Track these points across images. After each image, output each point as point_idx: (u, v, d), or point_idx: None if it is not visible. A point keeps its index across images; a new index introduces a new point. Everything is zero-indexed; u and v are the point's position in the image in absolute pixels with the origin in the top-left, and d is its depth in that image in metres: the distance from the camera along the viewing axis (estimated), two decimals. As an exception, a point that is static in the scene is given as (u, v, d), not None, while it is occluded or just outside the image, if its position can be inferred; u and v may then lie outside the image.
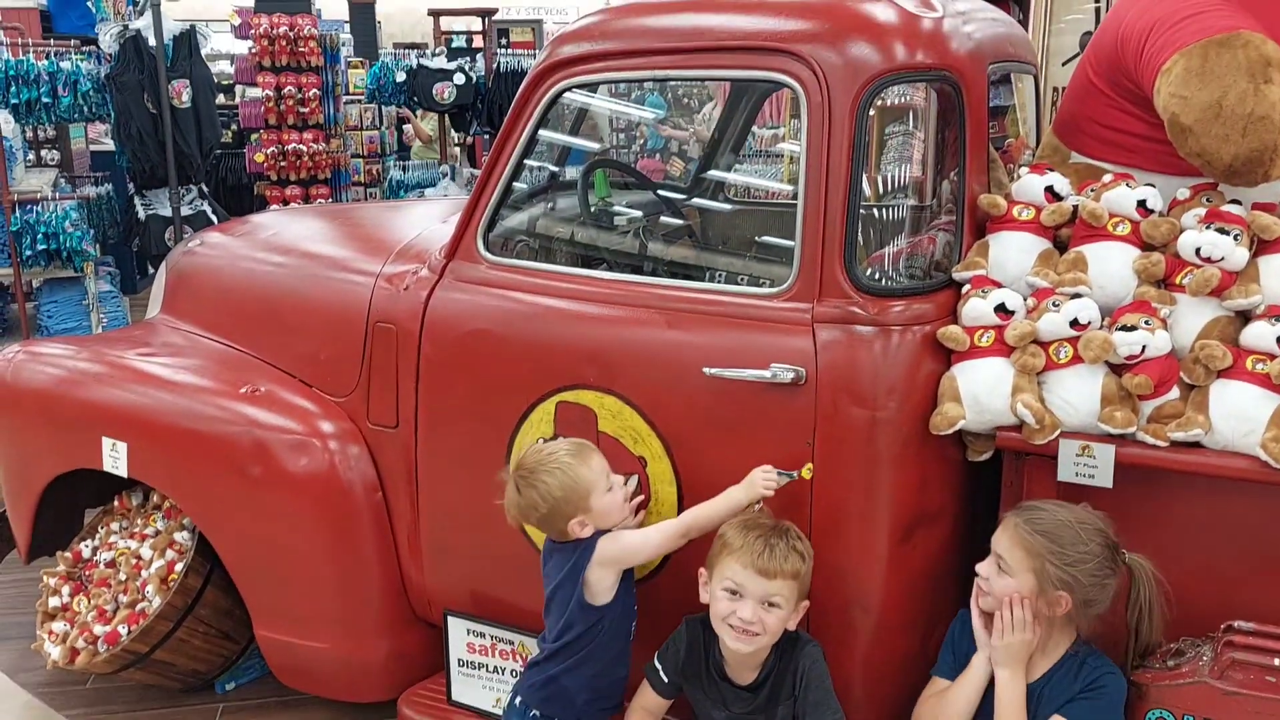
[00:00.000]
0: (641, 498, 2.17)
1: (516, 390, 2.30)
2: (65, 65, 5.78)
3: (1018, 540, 1.86)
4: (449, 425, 2.42)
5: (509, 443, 2.31)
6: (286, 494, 2.53)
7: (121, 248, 6.78)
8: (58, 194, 5.94)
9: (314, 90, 7.03)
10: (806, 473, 2.01)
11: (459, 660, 2.48)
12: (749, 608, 1.91)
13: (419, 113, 8.53)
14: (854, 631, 2.05)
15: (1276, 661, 1.74)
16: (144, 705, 2.84)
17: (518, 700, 2.13)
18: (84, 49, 6.10)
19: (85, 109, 5.85)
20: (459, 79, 7.84)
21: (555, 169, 2.96)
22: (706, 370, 2.07)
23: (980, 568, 1.94)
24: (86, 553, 2.86)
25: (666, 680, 2.07)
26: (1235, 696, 1.74)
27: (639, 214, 2.88)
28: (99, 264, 5.94)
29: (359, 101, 8.39)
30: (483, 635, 2.44)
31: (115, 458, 2.66)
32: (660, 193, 3.08)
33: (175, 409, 2.64)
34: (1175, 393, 1.90)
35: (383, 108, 8.37)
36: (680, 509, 2.15)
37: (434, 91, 7.84)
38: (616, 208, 2.88)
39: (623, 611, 2.07)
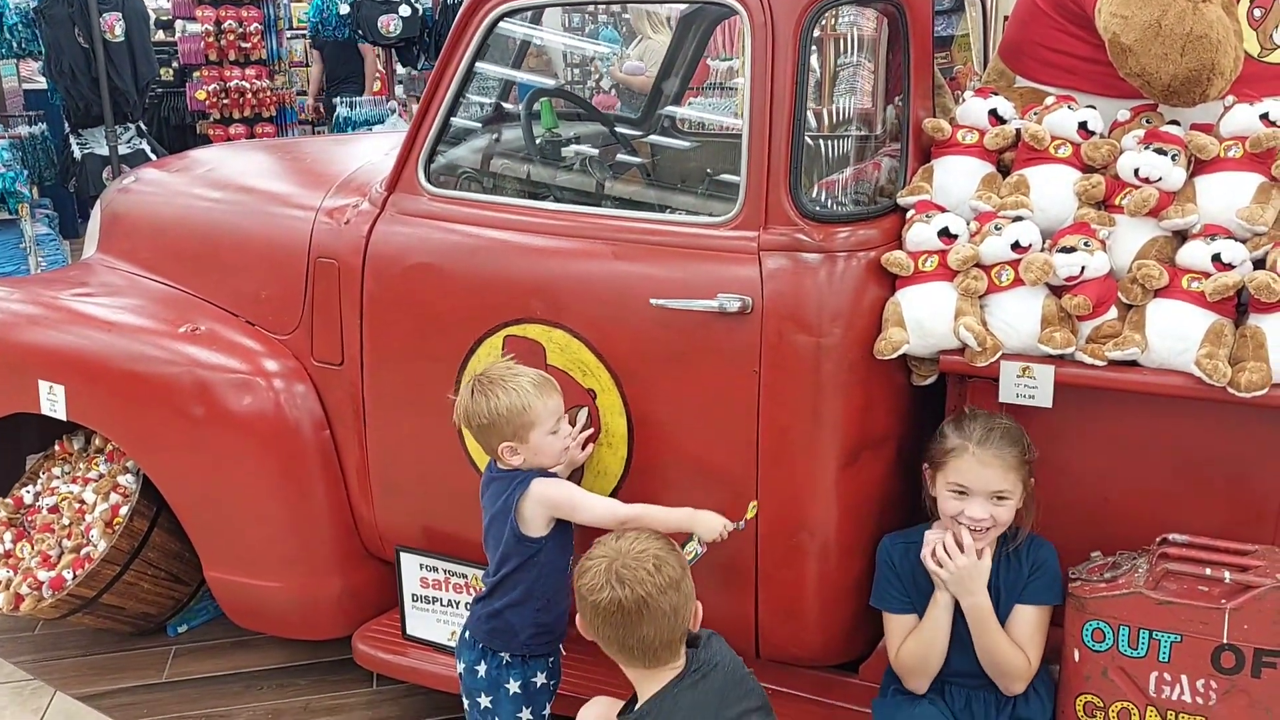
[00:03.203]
0: (591, 430, 2.17)
1: (462, 325, 2.27)
2: (-9, -1, 5.56)
3: (1009, 463, 1.89)
4: (395, 361, 2.39)
5: (456, 378, 2.29)
6: (231, 434, 2.50)
7: (59, 190, 6.59)
8: (-11, 134, 5.75)
9: (255, 25, 6.82)
10: (751, 512, 2.03)
11: (413, 595, 2.48)
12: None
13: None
14: (802, 555, 2.08)
15: (1208, 571, 1.79)
16: (95, 649, 2.83)
17: (468, 634, 2.14)
18: (11, -19, 5.85)
19: (14, 44, 5.64)
20: (405, 11, 7.62)
21: (501, 101, 2.90)
22: (653, 301, 2.06)
23: (975, 515, 1.89)
24: (28, 498, 2.81)
25: None
26: (1169, 606, 1.79)
27: (587, 146, 2.84)
28: (35, 206, 5.77)
29: (303, 36, 8.15)
30: (435, 570, 2.44)
31: (53, 401, 2.60)
32: (608, 124, 3.04)
33: (114, 350, 2.59)
34: (1113, 313, 1.92)
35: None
36: (630, 441, 2.15)
37: (379, 24, 7.63)
38: (564, 139, 2.83)
39: (560, 545, 2.06)
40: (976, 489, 1.89)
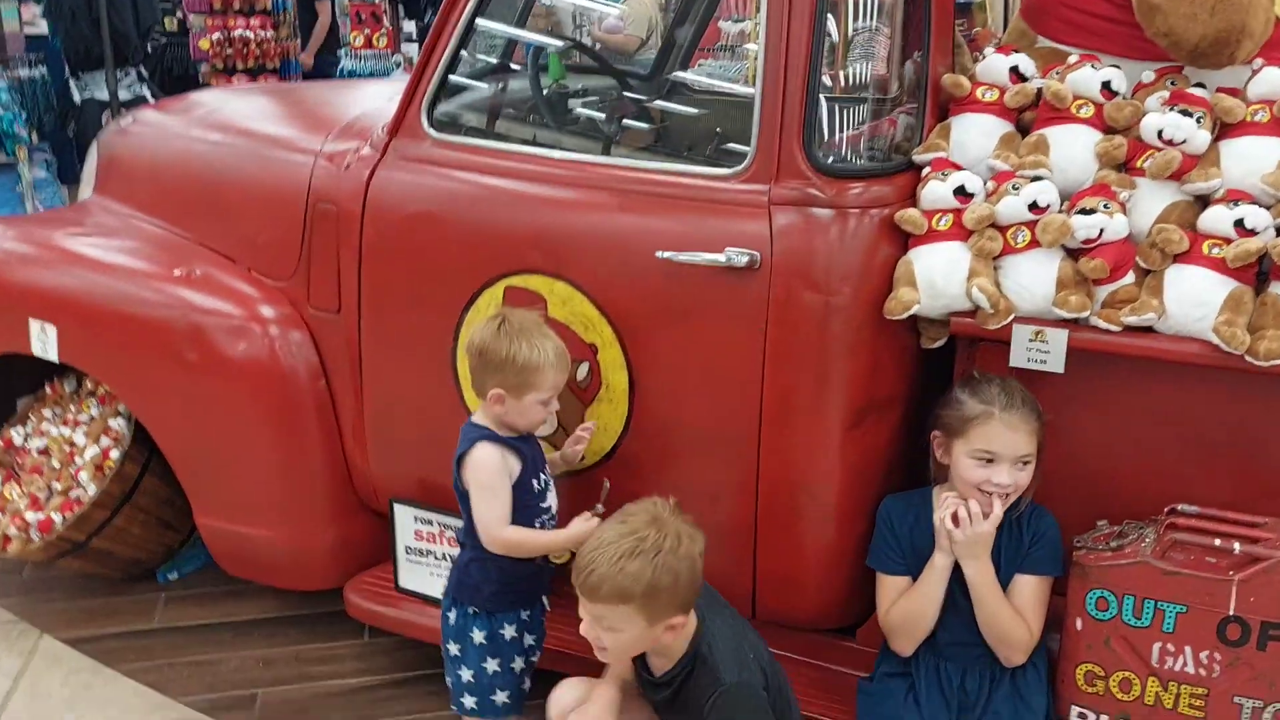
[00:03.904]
0: (589, 426, 2.13)
1: (463, 274, 2.23)
2: (-8, -61, 5.46)
3: (1033, 427, 1.86)
4: (393, 310, 2.34)
5: (455, 329, 2.25)
6: (226, 380, 2.45)
7: (59, 134, 6.51)
8: (-13, 76, 5.66)
9: (260, -28, 6.70)
10: (604, 495, 2.04)
11: (406, 548, 2.45)
12: (585, 624, 1.77)
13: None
14: (803, 518, 2.04)
15: (1217, 543, 1.76)
16: (83, 594, 2.80)
17: (448, 587, 2.12)
18: (11, -79, 5.75)
19: (14, -14, 5.54)
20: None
21: (507, 50, 2.84)
22: (659, 254, 2.01)
23: (1001, 481, 1.85)
24: (18, 439, 2.77)
25: None
26: (1175, 576, 1.76)
27: (595, 99, 2.78)
28: (34, 151, 5.70)
29: (309, -16, 8.00)
30: (430, 523, 2.41)
31: (44, 341, 2.56)
32: (618, 79, 2.97)
33: (107, 291, 2.54)
34: (1130, 278, 1.87)
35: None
36: (631, 397, 2.11)
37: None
38: (571, 91, 2.77)
39: (520, 506, 2.01)
40: (1004, 454, 1.85)
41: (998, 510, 1.85)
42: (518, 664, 2.10)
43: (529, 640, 2.12)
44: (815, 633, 2.21)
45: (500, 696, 2.08)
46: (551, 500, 2.10)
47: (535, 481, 2.05)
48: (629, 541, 1.71)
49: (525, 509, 2.03)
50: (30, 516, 2.58)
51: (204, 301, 2.48)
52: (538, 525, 2.06)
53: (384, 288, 2.34)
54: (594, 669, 1.97)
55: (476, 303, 2.22)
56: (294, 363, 2.45)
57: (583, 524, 1.99)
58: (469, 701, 2.09)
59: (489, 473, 1.99)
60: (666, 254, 2.00)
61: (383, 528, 2.50)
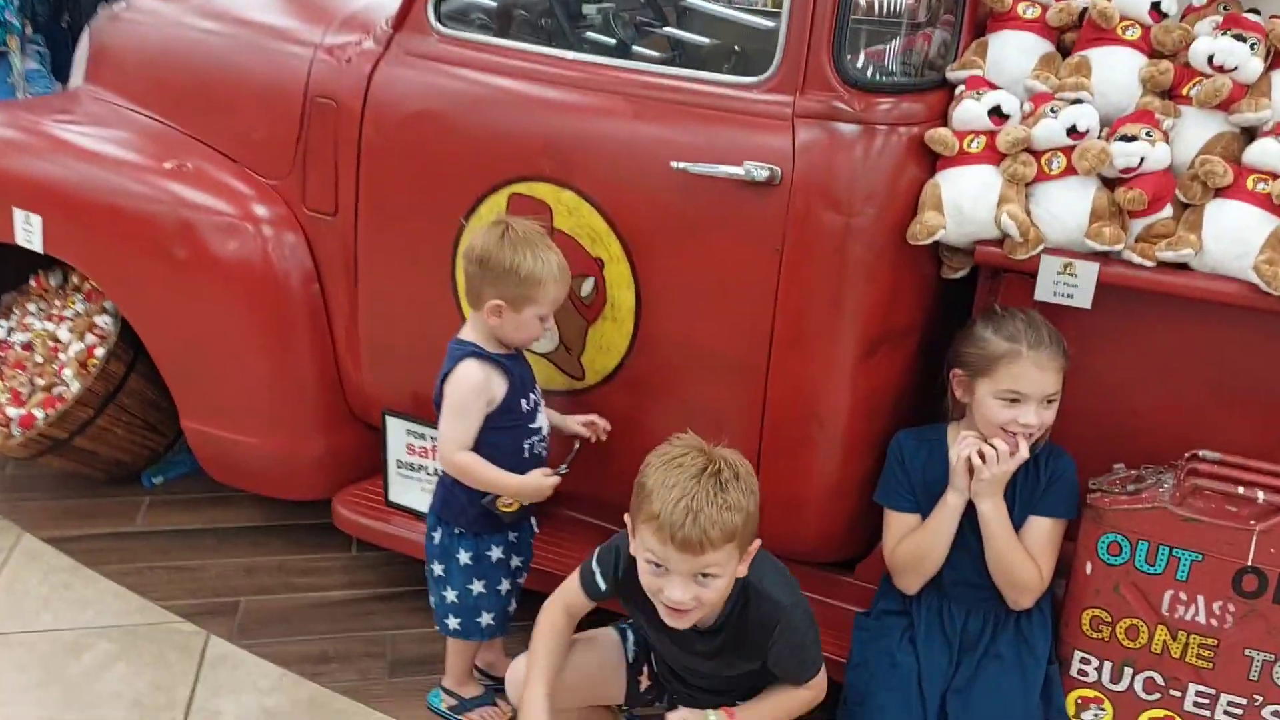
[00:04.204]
0: (572, 457, 2.05)
1: (466, 179, 2.13)
2: None
3: (1059, 366, 1.78)
4: (391, 215, 2.25)
5: (456, 236, 2.15)
6: (215, 280, 2.37)
7: (54, 28, 6.30)
8: (-22, -38, 5.45)
9: None
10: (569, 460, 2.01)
11: (398, 462, 2.39)
12: (678, 587, 1.57)
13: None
14: (809, 447, 1.98)
15: (1240, 490, 1.69)
16: (65, 494, 2.74)
17: (433, 505, 2.05)
18: None
19: None
20: None
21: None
22: (674, 165, 1.91)
23: (1028, 422, 1.77)
24: (1, 333, 2.69)
25: (604, 589, 1.77)
26: (1193, 523, 1.70)
27: (612, 4, 2.65)
28: (27, 42, 5.51)
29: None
30: (423, 437, 2.34)
31: (29, 231, 2.46)
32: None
33: (95, 182, 2.44)
34: (1168, 211, 1.78)
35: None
36: (638, 315, 2.03)
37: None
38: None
39: (508, 427, 1.94)
40: (1032, 394, 1.77)
41: (1023, 450, 1.78)
42: (504, 586, 2.04)
43: (515, 562, 2.06)
44: (813, 566, 2.16)
45: (485, 618, 2.03)
46: (542, 421, 2.02)
47: (524, 402, 1.97)
48: (709, 479, 1.54)
49: (514, 429, 1.95)
50: (11, 411, 2.51)
51: (195, 197, 2.38)
52: (526, 447, 1.98)
53: (383, 190, 2.24)
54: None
55: (479, 210, 2.12)
56: (287, 265, 2.37)
57: (539, 478, 1.92)
58: (453, 623, 2.03)
59: (465, 392, 1.90)
60: (682, 165, 1.90)
61: (374, 440, 2.44)
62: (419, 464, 2.37)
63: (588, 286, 2.07)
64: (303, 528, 2.63)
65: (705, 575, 1.56)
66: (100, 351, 2.51)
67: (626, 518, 1.64)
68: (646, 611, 1.68)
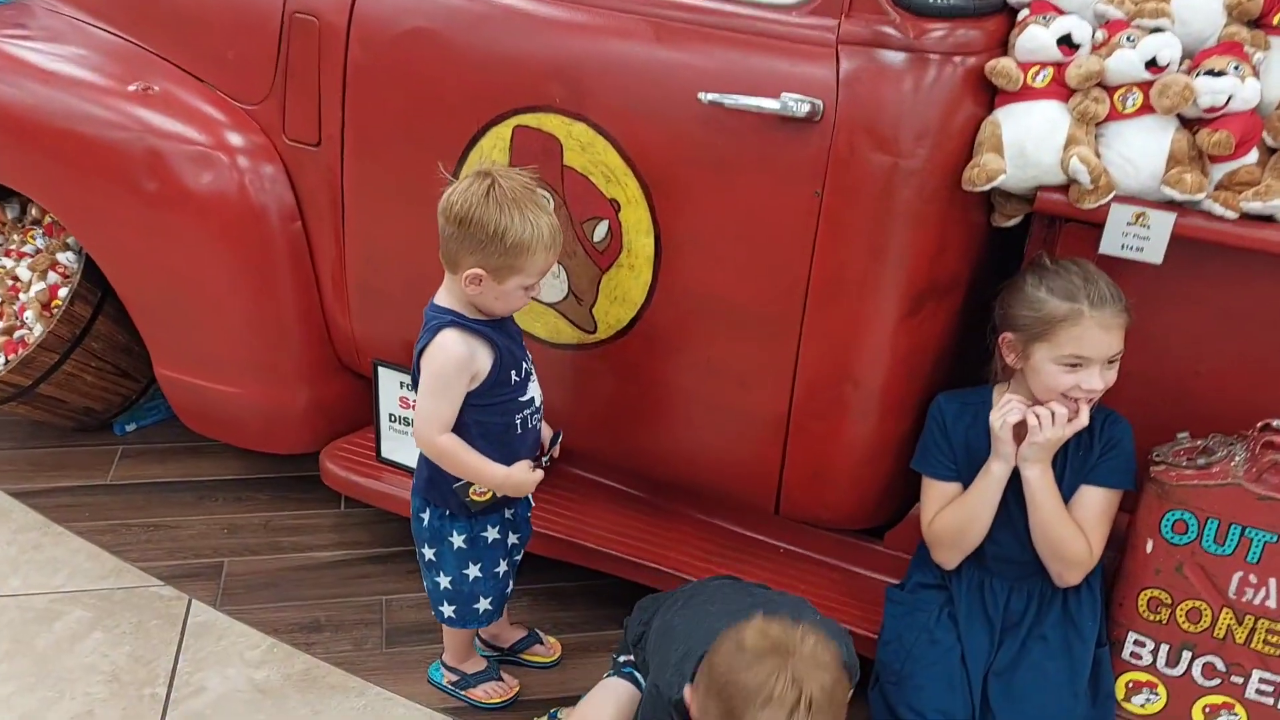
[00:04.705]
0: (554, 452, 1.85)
1: (465, 108, 1.92)
2: None
3: (1122, 322, 1.63)
4: (381, 146, 2.04)
5: (455, 172, 1.95)
6: (187, 215, 2.16)
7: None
8: None
9: None
10: (555, 449, 1.83)
11: (390, 415, 2.22)
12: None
13: None
14: (843, 409, 1.82)
15: (1325, 468, 1.55)
16: (34, 443, 2.56)
17: (417, 484, 1.85)
18: None
19: None
20: None
21: None
22: (702, 96, 1.71)
23: (1093, 387, 1.63)
24: (-46, 270, 2.48)
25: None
26: (1270, 502, 1.56)
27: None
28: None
29: None
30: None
31: (-22, 159, 2.24)
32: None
33: (51, 104, 2.21)
34: (1254, 156, 1.60)
35: None
36: (657, 263, 1.84)
37: None
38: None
39: (498, 401, 1.73)
40: (1096, 357, 1.61)
41: (1084, 415, 1.63)
42: (501, 567, 1.86)
43: (513, 539, 1.89)
44: (840, 533, 2.03)
45: (483, 604, 1.86)
46: (534, 392, 1.80)
47: (515, 373, 1.74)
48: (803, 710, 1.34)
49: (505, 404, 1.74)
50: (-32, 357, 2.31)
51: (163, 123, 2.16)
52: (519, 422, 1.76)
53: (372, 119, 2.03)
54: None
55: (480, 143, 1.92)
56: (265, 200, 2.16)
57: (525, 471, 1.73)
58: (448, 610, 1.86)
59: (446, 368, 1.67)
60: (711, 96, 1.70)
61: (364, 391, 2.27)
62: (413, 418, 2.19)
63: (601, 231, 1.89)
64: (288, 480, 2.47)
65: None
66: (64, 292, 2.31)
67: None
68: None
